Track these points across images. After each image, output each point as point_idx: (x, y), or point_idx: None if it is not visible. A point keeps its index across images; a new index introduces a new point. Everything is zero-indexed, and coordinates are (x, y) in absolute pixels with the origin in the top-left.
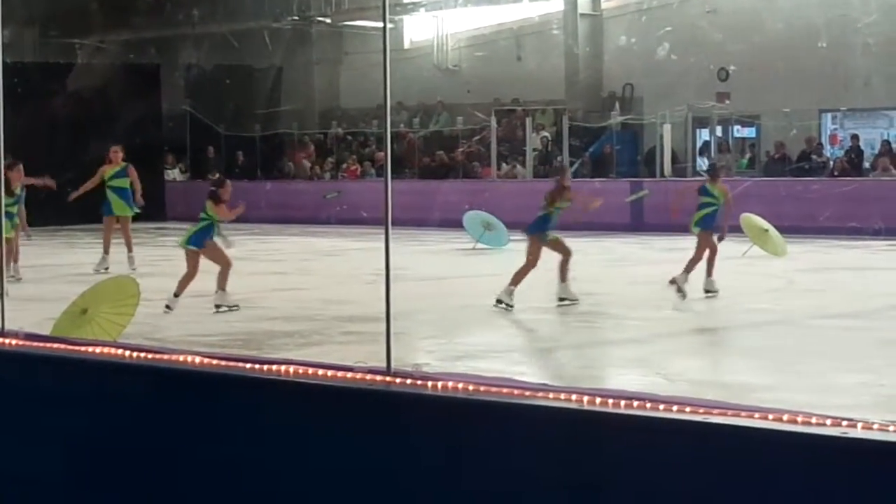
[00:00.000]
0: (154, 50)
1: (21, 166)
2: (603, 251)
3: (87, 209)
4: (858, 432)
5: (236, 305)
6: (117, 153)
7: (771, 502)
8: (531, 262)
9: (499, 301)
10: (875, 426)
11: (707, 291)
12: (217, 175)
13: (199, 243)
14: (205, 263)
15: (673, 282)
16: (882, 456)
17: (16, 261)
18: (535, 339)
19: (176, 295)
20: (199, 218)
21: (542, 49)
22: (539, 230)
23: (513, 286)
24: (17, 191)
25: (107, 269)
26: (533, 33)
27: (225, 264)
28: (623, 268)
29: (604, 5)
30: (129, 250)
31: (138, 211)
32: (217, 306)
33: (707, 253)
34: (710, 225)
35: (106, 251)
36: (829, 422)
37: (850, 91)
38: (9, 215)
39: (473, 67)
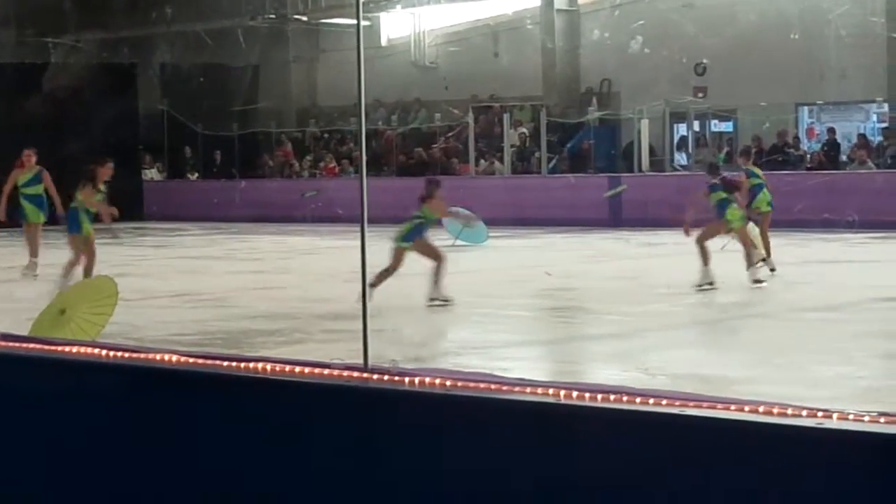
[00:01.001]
0: (129, 49)
1: (111, 164)
2: (581, 246)
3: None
4: (834, 423)
5: (449, 299)
6: (30, 157)
7: (749, 493)
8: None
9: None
10: (851, 416)
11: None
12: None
13: (412, 240)
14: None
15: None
16: (858, 446)
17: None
18: (515, 334)
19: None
20: (413, 216)
21: (519, 45)
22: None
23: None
24: (102, 187)
25: (35, 276)
26: (509, 29)
27: (438, 259)
28: (602, 263)
29: (580, 1)
30: (34, 255)
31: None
32: (431, 299)
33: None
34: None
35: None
36: (805, 413)
37: (826, 84)
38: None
39: (451, 64)
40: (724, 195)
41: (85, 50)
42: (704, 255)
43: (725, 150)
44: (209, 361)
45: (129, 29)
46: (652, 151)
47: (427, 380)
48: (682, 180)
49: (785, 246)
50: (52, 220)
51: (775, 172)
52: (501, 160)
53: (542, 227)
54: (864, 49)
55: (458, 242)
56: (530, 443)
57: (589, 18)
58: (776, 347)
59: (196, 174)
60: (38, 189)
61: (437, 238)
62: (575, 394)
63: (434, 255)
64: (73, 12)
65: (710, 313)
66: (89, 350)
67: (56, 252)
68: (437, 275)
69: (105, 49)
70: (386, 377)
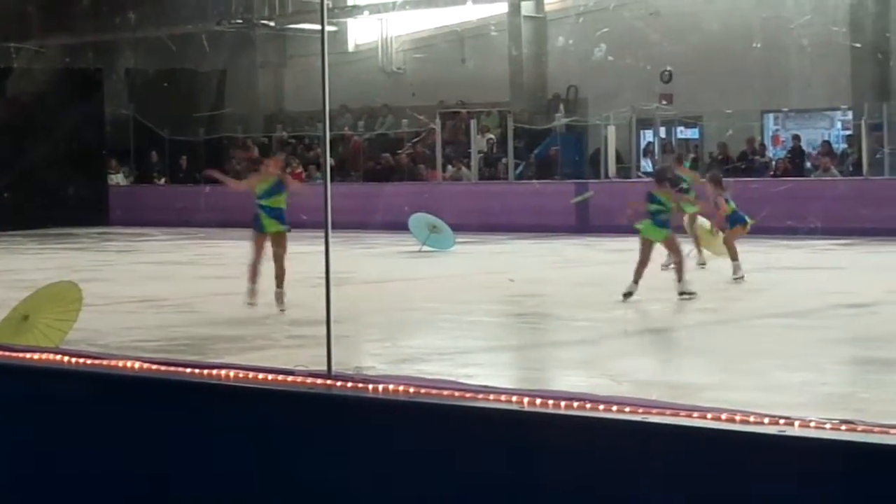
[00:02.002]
0: (94, 54)
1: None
2: (548, 252)
3: (25, 214)
4: (796, 430)
5: (694, 293)
6: None
7: (712, 501)
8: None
9: None
10: (812, 424)
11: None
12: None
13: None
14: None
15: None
16: (820, 454)
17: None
18: (481, 341)
19: (635, 282)
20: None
21: (486, 51)
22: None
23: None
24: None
25: None
26: (476, 36)
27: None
28: (568, 269)
29: (547, 8)
30: None
31: None
32: (681, 294)
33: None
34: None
35: None
36: (766, 420)
37: (790, 92)
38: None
39: (418, 70)
40: (657, 207)
41: (49, 55)
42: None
43: (692, 156)
44: (172, 368)
45: (94, 34)
46: (618, 158)
47: (391, 387)
48: (648, 187)
49: (749, 252)
50: None
51: (741, 179)
52: (468, 166)
53: (509, 233)
54: (827, 58)
55: (425, 248)
56: (495, 450)
57: (555, 25)
58: (740, 354)
59: (164, 179)
60: None
61: (405, 244)
62: (539, 401)
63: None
64: (36, 17)
65: (675, 320)
66: (51, 357)
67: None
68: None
69: (69, 54)
70: (349, 384)
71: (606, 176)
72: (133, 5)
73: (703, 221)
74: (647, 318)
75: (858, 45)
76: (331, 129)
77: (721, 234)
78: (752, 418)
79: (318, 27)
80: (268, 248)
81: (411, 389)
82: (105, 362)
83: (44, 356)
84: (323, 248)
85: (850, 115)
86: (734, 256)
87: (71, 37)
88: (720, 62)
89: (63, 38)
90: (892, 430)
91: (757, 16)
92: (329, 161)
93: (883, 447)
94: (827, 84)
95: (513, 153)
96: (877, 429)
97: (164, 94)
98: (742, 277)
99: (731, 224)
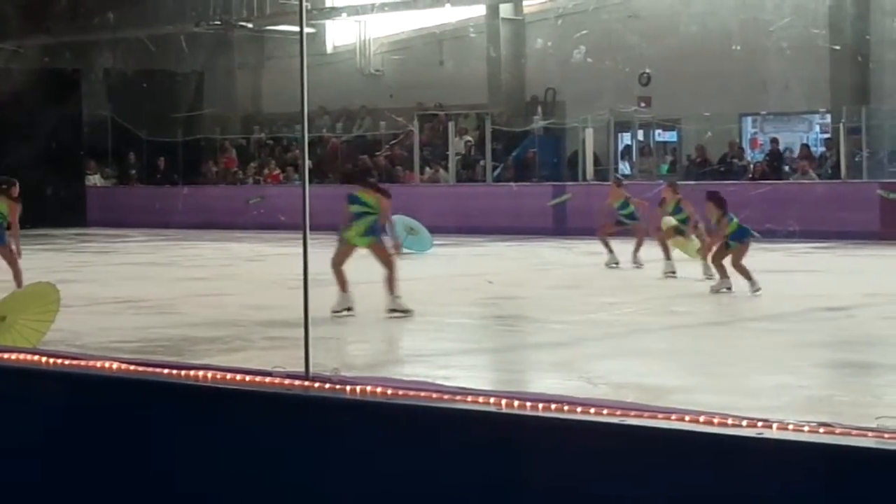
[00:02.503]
0: (72, 55)
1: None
2: (526, 255)
3: None
4: (774, 433)
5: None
6: None
7: (689, 503)
8: None
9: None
10: (790, 427)
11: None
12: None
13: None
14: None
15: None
16: (798, 457)
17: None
18: (457, 343)
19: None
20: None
21: (465, 53)
22: None
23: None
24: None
25: None
26: (454, 38)
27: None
28: (545, 271)
29: (525, 10)
30: None
31: None
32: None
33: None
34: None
35: None
36: (744, 423)
37: (768, 95)
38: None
39: (396, 72)
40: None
41: (27, 55)
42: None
43: (670, 159)
44: (150, 369)
45: (73, 34)
46: (596, 160)
47: (368, 388)
48: (626, 189)
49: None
50: None
51: (719, 182)
52: (446, 168)
53: (487, 235)
54: (806, 61)
55: (403, 250)
56: (472, 452)
57: (534, 28)
58: (717, 357)
59: (135, 181)
60: None
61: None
62: (517, 403)
63: None
64: (14, 17)
65: (652, 322)
66: (29, 357)
67: None
68: None
69: (48, 54)
70: (327, 385)
71: (584, 178)
72: (112, 6)
73: (668, 220)
74: (622, 321)
75: (838, 47)
76: (309, 131)
77: (695, 240)
78: (730, 421)
79: (296, 29)
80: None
81: (389, 391)
82: (83, 363)
83: (21, 356)
84: (298, 249)
85: (828, 119)
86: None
87: (49, 37)
88: (699, 65)
89: (42, 39)
90: (870, 433)
91: (736, 18)
92: (308, 163)
93: (861, 450)
94: (806, 87)
95: (490, 155)
96: (855, 431)
97: (143, 94)
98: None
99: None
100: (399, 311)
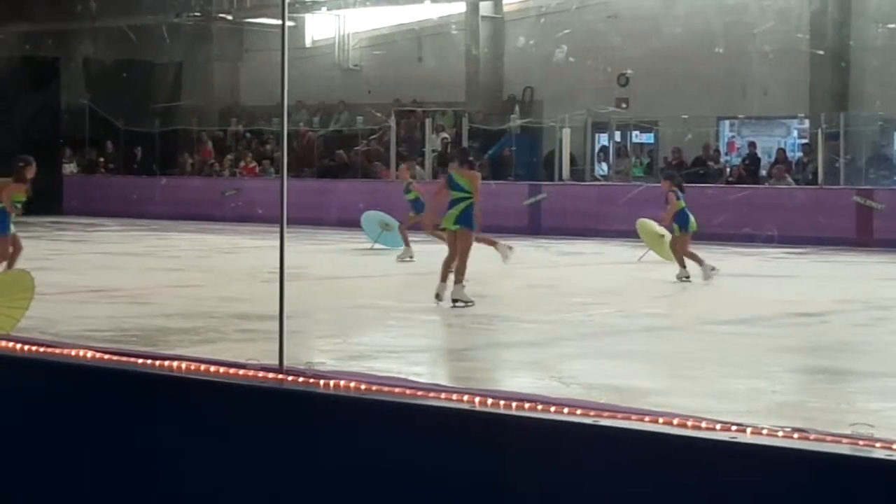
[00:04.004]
0: (52, 43)
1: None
2: (499, 253)
3: None
4: (748, 437)
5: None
6: None
7: None
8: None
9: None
10: (764, 431)
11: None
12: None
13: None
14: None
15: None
16: (771, 461)
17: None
18: (431, 340)
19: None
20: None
21: (443, 50)
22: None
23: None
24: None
25: None
26: (434, 34)
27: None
28: (519, 270)
29: (506, 9)
30: None
31: None
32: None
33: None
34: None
35: None
36: (719, 426)
37: (748, 99)
38: None
39: (374, 67)
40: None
41: (7, 42)
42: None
43: (647, 160)
44: (124, 358)
45: (53, 22)
46: (573, 161)
47: (342, 383)
48: (601, 190)
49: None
50: None
51: (696, 185)
52: (422, 165)
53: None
54: (788, 65)
55: (377, 246)
56: (445, 449)
57: (514, 26)
58: (689, 360)
59: (102, 169)
60: None
61: (357, 241)
62: (490, 401)
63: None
64: None
65: (625, 324)
66: (3, 343)
67: None
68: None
69: (28, 42)
70: (301, 379)
71: (560, 178)
72: None
73: (654, 225)
74: (597, 322)
75: (820, 52)
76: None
77: (664, 238)
78: (704, 424)
79: (275, 22)
80: None
81: (363, 386)
82: (57, 350)
83: None
84: (274, 242)
85: (806, 124)
86: (682, 263)
87: (30, 24)
88: (679, 67)
89: (22, 26)
90: (844, 440)
91: (720, 20)
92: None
93: (835, 456)
94: (785, 92)
95: None
96: (829, 438)
97: (121, 84)
98: (687, 279)
99: (683, 225)
100: (462, 302)
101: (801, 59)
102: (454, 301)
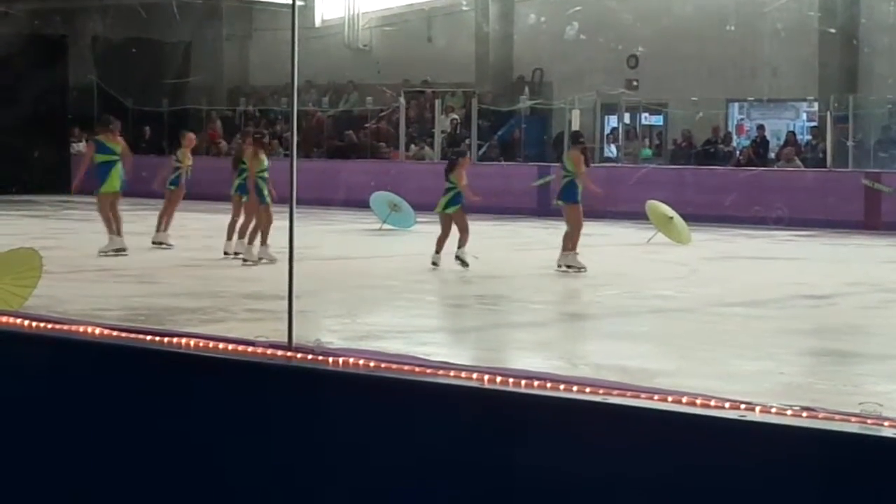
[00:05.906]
0: (60, 20)
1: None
2: (509, 235)
3: None
4: (757, 416)
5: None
6: None
7: (670, 483)
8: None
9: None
10: (773, 410)
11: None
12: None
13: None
14: None
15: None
16: (780, 439)
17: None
18: (439, 320)
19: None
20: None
21: (453, 30)
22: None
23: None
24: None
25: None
26: (444, 14)
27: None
28: (528, 252)
29: None
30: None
31: None
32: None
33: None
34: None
35: None
36: (727, 405)
37: (757, 81)
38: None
39: (384, 47)
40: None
41: (16, 19)
42: None
43: (656, 143)
44: (132, 335)
45: None
46: None
47: (351, 360)
48: (610, 171)
49: (710, 241)
50: None
51: (705, 167)
52: (432, 146)
53: (470, 213)
54: (798, 44)
55: (386, 226)
56: (453, 426)
57: (524, 5)
58: (697, 341)
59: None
60: None
61: (366, 222)
62: (499, 379)
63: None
64: None
65: (633, 305)
66: (12, 320)
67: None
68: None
69: (36, 19)
70: (310, 356)
71: None
72: None
73: (663, 207)
74: (605, 304)
75: (832, 30)
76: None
77: (673, 220)
78: (713, 402)
79: (285, 1)
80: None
81: (371, 363)
82: (66, 327)
83: (4, 319)
84: (284, 222)
85: (816, 107)
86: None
87: (39, 1)
88: (689, 47)
89: (31, 3)
90: (853, 418)
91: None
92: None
93: (843, 434)
94: (795, 73)
95: (476, 134)
96: (838, 416)
97: (130, 62)
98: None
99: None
100: (575, 267)
101: (812, 38)
102: (568, 266)
